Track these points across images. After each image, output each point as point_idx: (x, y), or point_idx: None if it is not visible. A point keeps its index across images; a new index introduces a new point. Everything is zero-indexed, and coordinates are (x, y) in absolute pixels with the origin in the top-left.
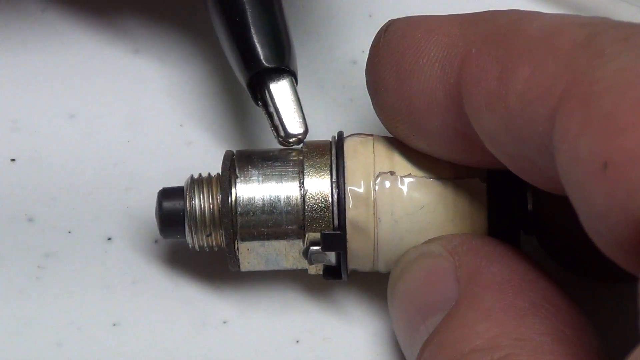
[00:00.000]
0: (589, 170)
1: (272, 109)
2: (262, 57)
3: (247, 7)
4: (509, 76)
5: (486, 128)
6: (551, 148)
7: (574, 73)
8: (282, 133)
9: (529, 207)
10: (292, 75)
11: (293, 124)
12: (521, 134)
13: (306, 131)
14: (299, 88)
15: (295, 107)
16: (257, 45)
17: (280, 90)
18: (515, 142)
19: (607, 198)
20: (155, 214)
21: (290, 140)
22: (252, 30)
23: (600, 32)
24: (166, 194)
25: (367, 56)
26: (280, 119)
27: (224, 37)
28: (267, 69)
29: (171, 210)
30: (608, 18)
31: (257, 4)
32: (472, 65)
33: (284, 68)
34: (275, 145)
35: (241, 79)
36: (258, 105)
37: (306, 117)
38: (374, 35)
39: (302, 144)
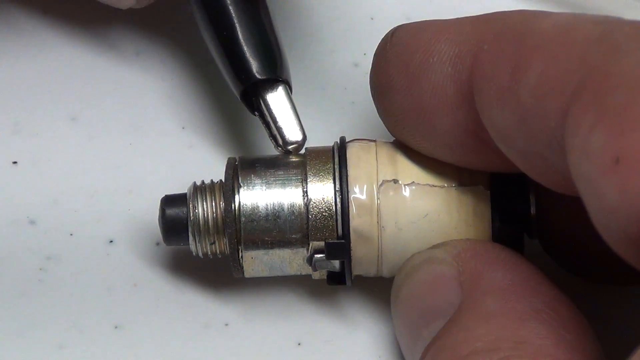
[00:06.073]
0: (600, 165)
1: (268, 119)
2: (254, 70)
3: (235, 21)
4: (522, 71)
5: (497, 124)
6: (563, 143)
7: (588, 68)
8: (280, 142)
9: (532, 211)
10: (286, 84)
11: (291, 133)
12: (533, 129)
13: (304, 138)
14: (300, 91)
15: (292, 115)
16: (248, 58)
17: (275, 100)
18: (526, 137)
19: (618, 193)
20: (159, 221)
21: (289, 148)
22: (242, 44)
23: (615, 29)
24: (169, 201)
25: (369, 59)
26: (278, 128)
27: (215, 52)
28: (260, 81)
29: (175, 218)
30: (621, 17)
31: (246, 17)
32: (484, 61)
33: (277, 78)
34: (274, 152)
35: (234, 91)
36: (255, 115)
37: (308, 120)
38: (376, 37)
39: (304, 150)
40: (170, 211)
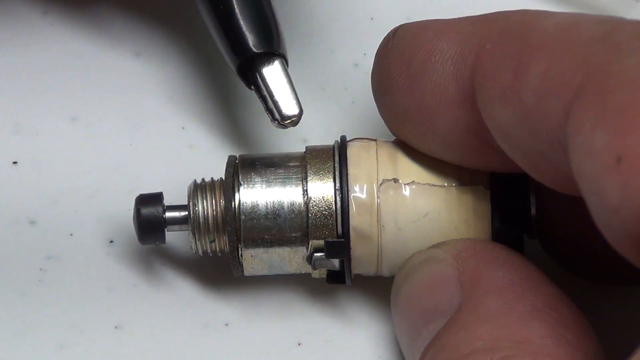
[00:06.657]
0: (602, 164)
1: (265, 92)
2: (250, 43)
3: None
4: (524, 70)
5: (499, 123)
6: (565, 142)
7: (590, 67)
8: (277, 116)
9: (532, 211)
10: (282, 58)
11: (287, 106)
12: (535, 128)
13: (301, 113)
14: (300, 91)
15: (288, 89)
16: (245, 32)
17: (271, 74)
18: (528, 136)
19: (620, 192)
20: (134, 221)
21: (286, 122)
22: (239, 17)
23: (617, 28)
24: (143, 200)
25: (369, 59)
26: (274, 102)
27: (211, 25)
28: (257, 54)
29: (149, 217)
30: (623, 17)
31: None
32: (486, 60)
33: (273, 52)
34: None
35: (231, 65)
36: (251, 89)
37: (308, 119)
38: (376, 37)
39: (304, 149)
40: (145, 210)
